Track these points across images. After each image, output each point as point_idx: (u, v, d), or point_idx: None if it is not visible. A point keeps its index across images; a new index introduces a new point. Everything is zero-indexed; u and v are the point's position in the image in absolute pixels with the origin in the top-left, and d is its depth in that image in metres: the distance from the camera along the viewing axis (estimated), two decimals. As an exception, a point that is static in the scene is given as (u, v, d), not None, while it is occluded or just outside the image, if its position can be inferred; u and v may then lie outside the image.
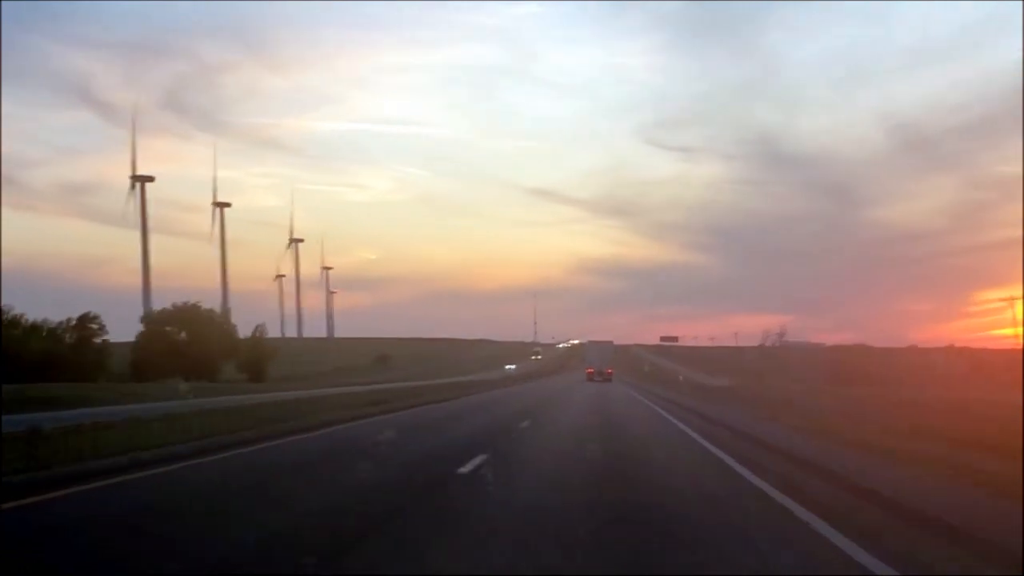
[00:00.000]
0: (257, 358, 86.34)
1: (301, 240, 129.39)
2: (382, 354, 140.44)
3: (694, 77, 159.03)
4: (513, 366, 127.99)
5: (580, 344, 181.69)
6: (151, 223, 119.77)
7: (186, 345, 79.24)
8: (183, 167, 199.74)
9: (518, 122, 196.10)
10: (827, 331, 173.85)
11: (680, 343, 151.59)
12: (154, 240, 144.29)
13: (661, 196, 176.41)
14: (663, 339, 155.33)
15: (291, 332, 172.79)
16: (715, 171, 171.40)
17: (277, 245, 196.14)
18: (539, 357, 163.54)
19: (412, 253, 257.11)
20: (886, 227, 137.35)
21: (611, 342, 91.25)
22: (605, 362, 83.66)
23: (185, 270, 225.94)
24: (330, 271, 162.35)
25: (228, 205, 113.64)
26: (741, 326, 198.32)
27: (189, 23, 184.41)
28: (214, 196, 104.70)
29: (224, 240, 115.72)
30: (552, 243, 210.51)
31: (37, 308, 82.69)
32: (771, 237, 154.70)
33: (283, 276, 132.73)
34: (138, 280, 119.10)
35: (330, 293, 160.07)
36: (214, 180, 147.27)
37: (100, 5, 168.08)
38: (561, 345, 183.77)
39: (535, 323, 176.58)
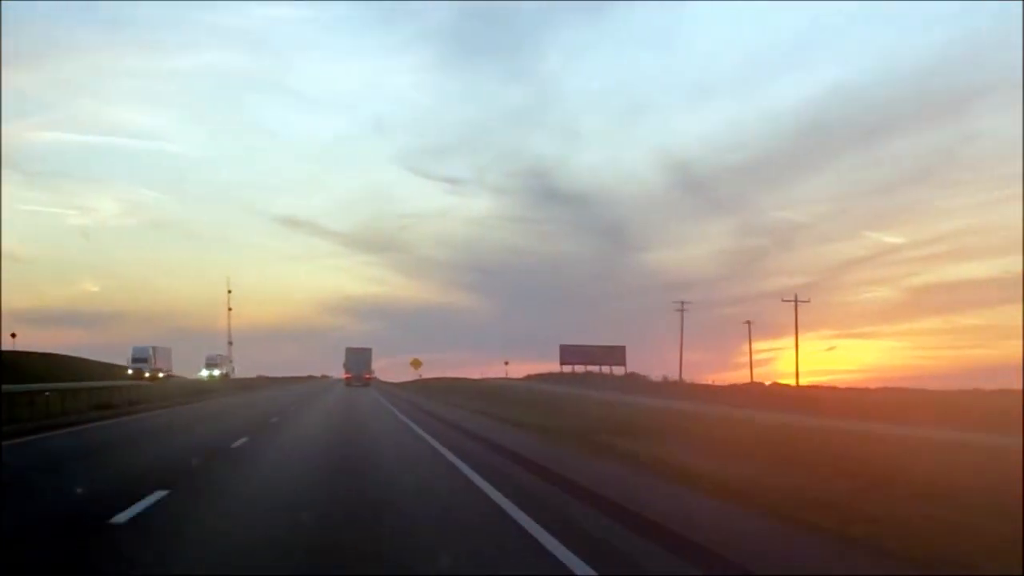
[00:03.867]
0: None
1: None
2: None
3: (465, 100, 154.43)
4: None
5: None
6: None
7: None
8: None
9: (270, 141, 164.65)
10: None
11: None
12: None
13: (424, 231, 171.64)
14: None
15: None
16: (484, 205, 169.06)
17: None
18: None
19: (142, 285, 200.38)
20: (657, 271, 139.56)
21: (370, 349, 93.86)
22: (363, 367, 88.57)
23: None
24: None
25: None
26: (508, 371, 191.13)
27: None
28: None
29: None
30: (304, 278, 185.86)
31: None
32: (541, 278, 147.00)
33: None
34: None
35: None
36: None
37: None
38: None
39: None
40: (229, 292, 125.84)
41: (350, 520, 9.80)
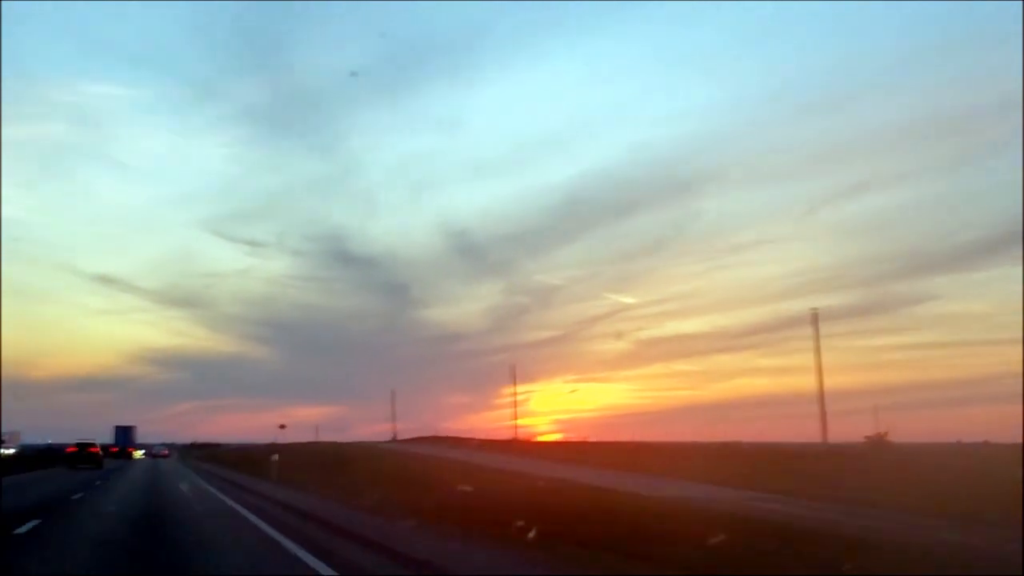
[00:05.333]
0: None
1: None
2: None
3: (270, 172, 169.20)
4: None
5: None
6: None
7: None
8: None
9: (88, 205, 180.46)
10: (377, 422, 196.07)
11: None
12: None
13: (226, 289, 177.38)
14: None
15: None
16: (282, 266, 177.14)
17: None
18: None
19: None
20: (435, 325, 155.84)
21: (135, 426, 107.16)
22: (129, 442, 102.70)
23: None
24: None
25: None
26: (295, 417, 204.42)
27: None
28: None
29: None
30: (113, 332, 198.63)
31: None
32: (329, 332, 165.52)
33: None
34: None
35: None
36: None
37: None
38: None
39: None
40: None
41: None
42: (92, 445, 61.91)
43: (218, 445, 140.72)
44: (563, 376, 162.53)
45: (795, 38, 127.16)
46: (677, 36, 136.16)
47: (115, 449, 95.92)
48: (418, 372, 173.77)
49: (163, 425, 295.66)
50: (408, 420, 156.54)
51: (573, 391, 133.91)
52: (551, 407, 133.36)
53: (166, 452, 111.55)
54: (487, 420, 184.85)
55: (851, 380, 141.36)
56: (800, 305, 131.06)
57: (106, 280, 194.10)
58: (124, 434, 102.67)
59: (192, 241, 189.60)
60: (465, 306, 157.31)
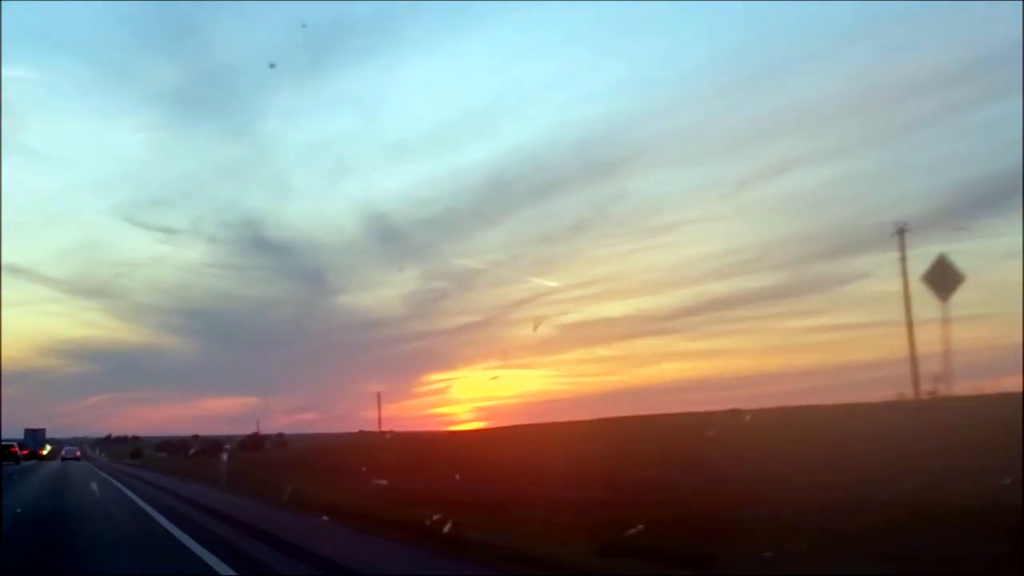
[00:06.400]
0: None
1: None
2: None
3: (185, 156, 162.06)
4: None
5: None
6: None
7: None
8: None
9: None
10: (294, 412, 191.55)
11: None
12: None
13: (139, 277, 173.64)
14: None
15: None
16: (197, 254, 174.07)
17: None
18: None
19: None
20: (353, 312, 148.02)
21: (43, 429, 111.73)
22: (39, 444, 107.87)
23: None
24: None
25: None
26: (212, 409, 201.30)
27: None
28: None
29: None
30: (22, 324, 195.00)
31: None
32: (247, 321, 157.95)
33: None
34: None
35: None
36: None
37: None
38: None
39: None
40: None
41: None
42: (12, 445, 78.26)
43: (137, 439, 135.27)
44: (484, 362, 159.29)
45: (717, 15, 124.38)
46: (598, 15, 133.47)
47: (25, 451, 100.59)
48: (336, 361, 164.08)
49: (76, 419, 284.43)
50: (325, 410, 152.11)
51: (494, 378, 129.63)
52: (472, 395, 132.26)
53: (78, 453, 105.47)
54: (406, 409, 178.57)
55: (777, 362, 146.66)
56: (725, 287, 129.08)
57: (13, 270, 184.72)
58: (33, 437, 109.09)
59: (104, 229, 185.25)
60: (383, 292, 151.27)
